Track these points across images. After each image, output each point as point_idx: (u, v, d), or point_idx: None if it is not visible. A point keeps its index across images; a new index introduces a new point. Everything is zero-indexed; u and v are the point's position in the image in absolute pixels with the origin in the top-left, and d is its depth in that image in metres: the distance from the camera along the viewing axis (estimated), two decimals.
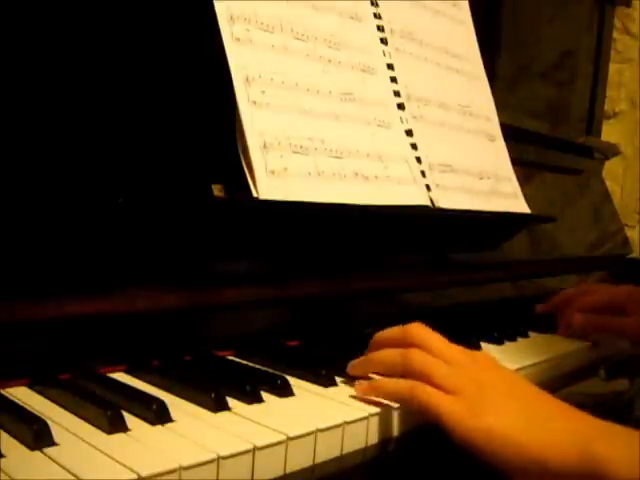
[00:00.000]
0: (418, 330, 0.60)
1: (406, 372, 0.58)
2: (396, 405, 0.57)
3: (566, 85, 1.46)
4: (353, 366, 0.62)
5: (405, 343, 0.60)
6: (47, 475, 0.40)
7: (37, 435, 0.43)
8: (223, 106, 0.66)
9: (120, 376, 0.58)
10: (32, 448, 0.43)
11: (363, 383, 0.58)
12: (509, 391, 0.57)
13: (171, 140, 0.66)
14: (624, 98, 1.88)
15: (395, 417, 0.56)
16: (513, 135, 1.05)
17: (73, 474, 0.40)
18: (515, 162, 1.00)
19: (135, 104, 0.63)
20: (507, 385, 0.58)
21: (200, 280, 0.65)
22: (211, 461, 0.43)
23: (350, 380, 0.62)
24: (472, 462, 0.56)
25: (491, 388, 0.56)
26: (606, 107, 1.67)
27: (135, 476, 0.40)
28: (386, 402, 0.57)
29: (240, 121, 0.66)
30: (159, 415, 0.48)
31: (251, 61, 0.68)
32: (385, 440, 0.56)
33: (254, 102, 0.67)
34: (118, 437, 0.46)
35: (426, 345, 0.59)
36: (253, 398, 0.54)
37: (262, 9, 0.70)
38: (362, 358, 0.62)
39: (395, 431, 0.56)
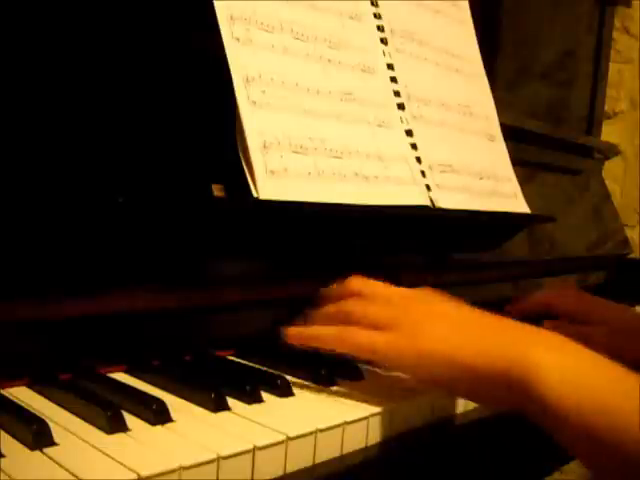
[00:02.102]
0: (355, 281, 0.61)
1: (342, 321, 0.58)
2: (397, 405, 0.57)
3: (566, 85, 1.46)
4: (291, 334, 0.61)
5: (345, 295, 0.61)
6: (47, 475, 0.40)
7: (37, 435, 0.43)
8: (223, 106, 0.66)
9: (120, 376, 0.58)
10: (32, 448, 0.43)
11: (292, 329, 0.58)
12: (444, 316, 0.57)
13: (171, 140, 0.66)
14: (624, 98, 1.88)
15: (396, 417, 0.56)
16: (513, 135, 1.05)
17: (73, 474, 0.40)
18: (515, 162, 1.00)
19: (135, 104, 0.63)
20: (442, 312, 0.58)
21: (200, 280, 0.65)
22: (211, 461, 0.43)
23: (350, 380, 0.62)
24: (473, 462, 0.56)
25: (426, 317, 0.57)
26: (606, 107, 1.67)
27: (135, 476, 0.40)
28: None
29: (240, 121, 0.66)
30: (159, 415, 0.48)
31: (251, 61, 0.68)
32: (385, 440, 0.56)
33: (254, 102, 0.67)
34: (118, 437, 0.46)
35: (362, 292, 0.60)
36: (253, 398, 0.54)
37: (262, 9, 0.70)
38: (299, 328, 0.62)
39: (395, 431, 0.56)
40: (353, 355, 0.58)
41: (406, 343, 0.55)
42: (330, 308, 0.61)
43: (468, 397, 0.57)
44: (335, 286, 0.63)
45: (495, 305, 0.97)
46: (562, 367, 0.49)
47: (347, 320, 0.58)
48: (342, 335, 0.57)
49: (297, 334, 0.59)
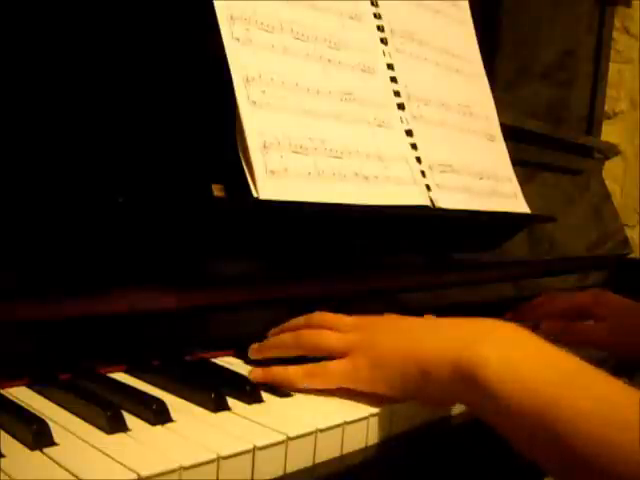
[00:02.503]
0: (316, 315, 0.63)
1: (299, 349, 0.60)
2: (397, 405, 0.57)
3: (566, 85, 1.46)
4: (253, 349, 0.63)
5: (301, 327, 0.62)
6: (47, 475, 0.40)
7: (37, 435, 0.43)
8: (223, 106, 0.66)
9: (120, 376, 0.58)
10: (32, 448, 0.42)
11: (257, 370, 0.59)
12: (396, 326, 0.59)
13: (171, 140, 0.66)
14: (624, 98, 1.88)
15: (395, 417, 0.56)
16: (513, 135, 1.05)
17: (73, 474, 0.40)
18: (515, 162, 1.00)
19: (135, 104, 0.63)
20: (394, 323, 0.60)
21: (200, 280, 0.65)
22: (211, 461, 0.43)
23: None
24: (472, 462, 0.56)
25: (379, 331, 0.58)
26: (606, 107, 1.67)
27: (135, 476, 0.40)
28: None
29: (240, 121, 0.66)
30: (159, 415, 0.48)
31: (251, 61, 0.68)
32: (385, 440, 0.56)
33: (254, 102, 0.67)
34: (118, 437, 0.46)
35: (320, 323, 0.61)
36: (253, 398, 0.54)
37: (262, 9, 0.70)
38: (260, 343, 0.63)
39: (395, 431, 0.56)
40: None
41: (361, 360, 0.56)
42: (287, 338, 0.62)
43: (422, 397, 0.56)
44: (296, 319, 0.65)
45: (495, 305, 0.98)
46: (506, 360, 0.49)
47: (303, 349, 0.60)
48: (306, 378, 0.58)
49: (262, 373, 0.59)
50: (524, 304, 0.95)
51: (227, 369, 0.63)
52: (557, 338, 0.84)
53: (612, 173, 1.77)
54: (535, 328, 0.84)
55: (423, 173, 0.84)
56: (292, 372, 0.58)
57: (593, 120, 1.55)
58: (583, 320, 0.87)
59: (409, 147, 0.84)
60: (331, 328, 0.61)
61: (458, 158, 0.90)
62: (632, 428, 0.44)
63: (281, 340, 0.63)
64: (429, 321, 0.61)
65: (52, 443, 0.43)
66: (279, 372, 0.59)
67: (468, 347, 0.51)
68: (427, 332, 0.57)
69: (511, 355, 0.50)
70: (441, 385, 0.52)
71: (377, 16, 0.85)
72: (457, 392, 0.52)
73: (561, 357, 0.51)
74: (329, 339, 0.59)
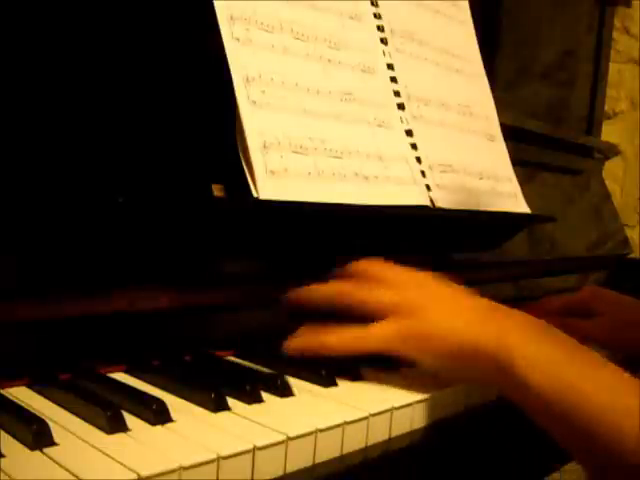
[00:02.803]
0: (360, 263, 0.64)
1: (341, 302, 0.61)
2: (397, 404, 0.57)
3: (566, 85, 1.46)
4: (290, 293, 0.64)
5: (347, 276, 0.64)
6: (47, 475, 0.40)
7: (37, 435, 0.43)
8: (223, 106, 0.66)
9: (120, 376, 0.58)
10: (32, 448, 0.42)
11: (294, 342, 0.61)
12: (442, 301, 0.61)
13: (171, 140, 0.66)
14: (624, 98, 1.88)
15: (395, 417, 0.56)
16: (513, 135, 1.05)
17: (73, 474, 0.40)
18: (515, 162, 1.00)
19: (136, 104, 0.63)
20: (441, 296, 0.62)
21: (200, 280, 0.65)
22: (211, 461, 0.43)
23: (350, 380, 0.62)
24: (470, 463, 0.57)
25: (426, 301, 0.60)
26: (606, 107, 1.67)
27: (135, 476, 0.40)
28: None
29: (240, 121, 0.66)
30: (159, 415, 0.48)
31: (251, 61, 0.68)
32: (385, 440, 0.56)
33: (254, 102, 0.67)
34: (118, 437, 0.46)
35: (366, 274, 0.63)
36: (253, 398, 0.54)
37: (262, 9, 0.70)
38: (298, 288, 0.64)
39: (395, 431, 0.56)
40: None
41: (411, 327, 0.59)
42: (333, 286, 0.62)
43: (460, 375, 0.60)
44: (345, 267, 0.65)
45: None
46: (535, 352, 0.55)
47: (349, 305, 0.61)
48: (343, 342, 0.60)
49: (299, 346, 0.61)
50: (524, 304, 0.95)
51: (227, 369, 0.63)
52: None
53: (612, 173, 1.77)
54: None
55: (423, 173, 0.84)
56: (329, 337, 0.59)
57: (593, 120, 1.55)
58: (582, 317, 0.87)
59: (409, 147, 0.84)
60: (380, 281, 0.61)
61: (458, 158, 0.90)
62: (632, 415, 0.49)
63: (323, 290, 0.62)
64: (468, 300, 0.62)
65: (52, 443, 0.43)
66: (311, 340, 0.60)
67: (506, 337, 0.56)
68: (477, 316, 0.59)
69: (541, 348, 0.55)
70: (481, 371, 0.57)
71: (377, 16, 0.85)
72: (496, 378, 0.57)
73: (580, 348, 0.56)
74: (382, 296, 0.60)
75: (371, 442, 0.54)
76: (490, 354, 0.56)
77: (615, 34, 1.68)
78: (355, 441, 0.53)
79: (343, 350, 0.60)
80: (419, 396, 0.59)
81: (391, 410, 0.56)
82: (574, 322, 0.86)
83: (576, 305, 0.89)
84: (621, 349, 0.84)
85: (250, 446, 0.45)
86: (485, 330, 0.57)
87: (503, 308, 0.61)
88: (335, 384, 0.60)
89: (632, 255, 1.47)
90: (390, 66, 0.85)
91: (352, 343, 0.60)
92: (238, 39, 0.67)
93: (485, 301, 0.62)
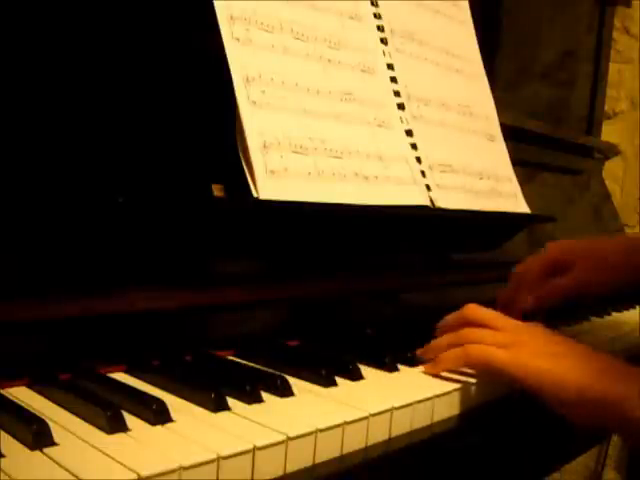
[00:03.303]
0: (471, 309, 0.68)
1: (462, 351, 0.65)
2: (397, 405, 0.57)
3: (566, 85, 1.46)
4: (423, 352, 0.69)
5: (461, 324, 0.67)
6: (47, 475, 0.40)
7: (37, 435, 0.43)
8: (223, 106, 0.66)
9: (120, 376, 0.58)
10: (32, 448, 0.42)
11: (427, 366, 0.66)
12: (549, 344, 0.65)
13: (171, 140, 0.66)
14: (624, 98, 1.88)
15: (395, 417, 0.56)
16: (513, 135, 1.05)
17: (73, 474, 0.40)
18: (515, 162, 1.01)
19: (136, 104, 0.63)
20: (546, 341, 0.65)
21: (200, 280, 0.65)
22: (211, 461, 0.43)
23: (350, 380, 0.62)
24: (470, 463, 0.56)
25: (532, 341, 0.65)
26: (606, 107, 1.67)
27: (135, 476, 0.40)
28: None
29: (240, 121, 0.66)
30: (159, 415, 0.48)
31: (251, 61, 0.68)
32: (385, 440, 0.56)
33: (254, 102, 0.67)
34: (118, 437, 0.46)
35: (478, 320, 0.67)
36: (253, 398, 0.54)
37: (262, 9, 0.70)
38: (427, 346, 0.69)
39: (395, 431, 0.56)
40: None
41: (517, 361, 0.62)
42: (451, 338, 0.67)
43: (569, 413, 0.62)
44: (451, 315, 0.70)
45: (494, 305, 0.98)
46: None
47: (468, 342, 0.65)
48: (467, 351, 0.64)
49: (431, 365, 0.66)
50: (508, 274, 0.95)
51: (227, 369, 0.63)
52: (544, 306, 0.88)
53: (612, 173, 1.77)
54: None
55: (423, 173, 0.84)
56: (454, 353, 0.64)
57: (593, 120, 1.55)
58: (561, 274, 0.88)
59: (409, 147, 0.84)
60: (483, 323, 0.66)
61: (458, 158, 0.90)
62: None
63: (445, 339, 0.67)
64: (578, 349, 0.65)
65: (52, 443, 0.43)
66: (444, 357, 0.65)
67: (615, 384, 0.60)
68: (579, 361, 0.63)
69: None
70: (594, 415, 0.60)
71: (377, 16, 0.85)
72: (604, 421, 0.61)
73: None
74: (488, 335, 0.65)
75: (371, 442, 0.54)
76: (597, 395, 0.59)
77: (615, 34, 1.68)
78: (355, 441, 0.53)
79: (460, 363, 0.65)
80: (419, 396, 0.59)
81: (391, 410, 0.56)
82: (555, 283, 0.87)
83: (552, 265, 0.90)
84: (592, 293, 0.88)
85: (250, 446, 0.45)
86: (599, 381, 0.60)
87: (617, 362, 0.63)
88: (335, 384, 0.60)
89: None
90: (390, 66, 0.85)
91: (468, 355, 0.64)
92: (238, 39, 0.67)
93: (589, 350, 0.65)
